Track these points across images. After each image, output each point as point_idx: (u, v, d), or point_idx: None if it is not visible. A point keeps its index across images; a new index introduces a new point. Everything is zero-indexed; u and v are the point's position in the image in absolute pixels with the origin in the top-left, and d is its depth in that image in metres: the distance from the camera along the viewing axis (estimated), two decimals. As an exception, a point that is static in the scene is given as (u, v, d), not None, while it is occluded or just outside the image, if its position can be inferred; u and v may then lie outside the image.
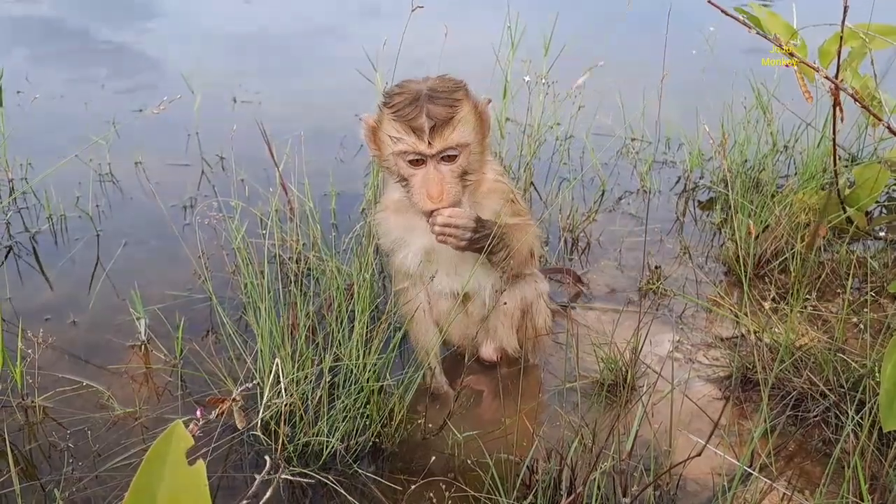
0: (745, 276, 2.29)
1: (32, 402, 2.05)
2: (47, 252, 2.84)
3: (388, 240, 2.07)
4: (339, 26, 6.08)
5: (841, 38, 2.29)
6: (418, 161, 1.86)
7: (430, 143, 1.81)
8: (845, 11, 2.27)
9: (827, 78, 1.95)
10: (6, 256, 2.79)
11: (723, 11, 1.82)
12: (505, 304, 2.15)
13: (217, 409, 1.53)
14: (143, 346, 2.31)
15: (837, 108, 2.34)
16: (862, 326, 2.32)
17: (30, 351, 2.06)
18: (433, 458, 1.90)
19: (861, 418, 1.81)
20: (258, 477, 1.26)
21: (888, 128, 2.15)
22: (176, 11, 6.67)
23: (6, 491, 1.74)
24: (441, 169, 1.86)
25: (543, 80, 3.17)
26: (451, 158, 1.86)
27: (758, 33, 1.87)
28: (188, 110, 3.70)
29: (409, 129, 1.81)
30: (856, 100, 2.02)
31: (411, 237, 2.03)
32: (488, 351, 2.29)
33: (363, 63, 3.16)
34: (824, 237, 2.42)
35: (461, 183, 1.90)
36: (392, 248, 2.07)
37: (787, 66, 1.94)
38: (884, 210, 3.35)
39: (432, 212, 1.87)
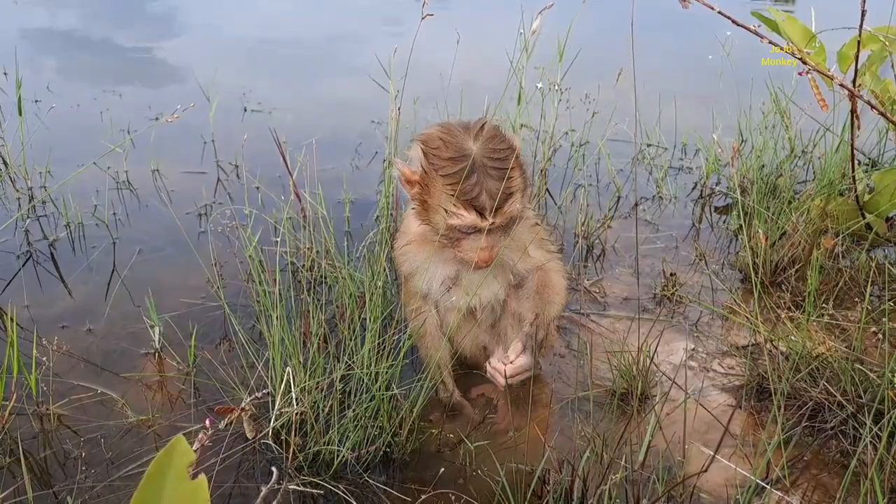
0: (755, 283, 2.26)
1: (47, 409, 2.07)
2: (65, 260, 2.86)
3: (411, 268, 2.06)
4: (358, 34, 6.11)
5: (858, 42, 2.26)
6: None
7: (491, 220, 1.78)
8: (863, 16, 2.24)
9: (842, 86, 1.93)
10: (25, 264, 2.82)
11: (733, 22, 1.80)
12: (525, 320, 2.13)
13: (226, 419, 1.54)
14: (157, 354, 2.33)
15: (854, 116, 2.31)
16: (881, 336, 2.28)
17: (44, 359, 2.08)
18: (443, 468, 1.90)
19: (879, 429, 1.77)
20: (264, 488, 1.26)
21: (907, 134, 2.12)
22: (197, 22, 6.74)
23: (20, 498, 1.76)
24: (493, 235, 1.83)
25: (557, 87, 3.15)
26: (504, 227, 1.85)
27: (770, 42, 1.85)
28: (205, 118, 3.73)
29: (470, 207, 1.77)
30: (873, 107, 2.00)
31: (435, 267, 2.03)
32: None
33: (379, 71, 3.18)
34: (830, 248, 2.38)
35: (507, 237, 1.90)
36: (412, 274, 2.06)
37: (801, 74, 1.91)
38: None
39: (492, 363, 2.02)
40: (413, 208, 1.94)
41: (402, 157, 1.95)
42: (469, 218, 1.78)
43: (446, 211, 1.80)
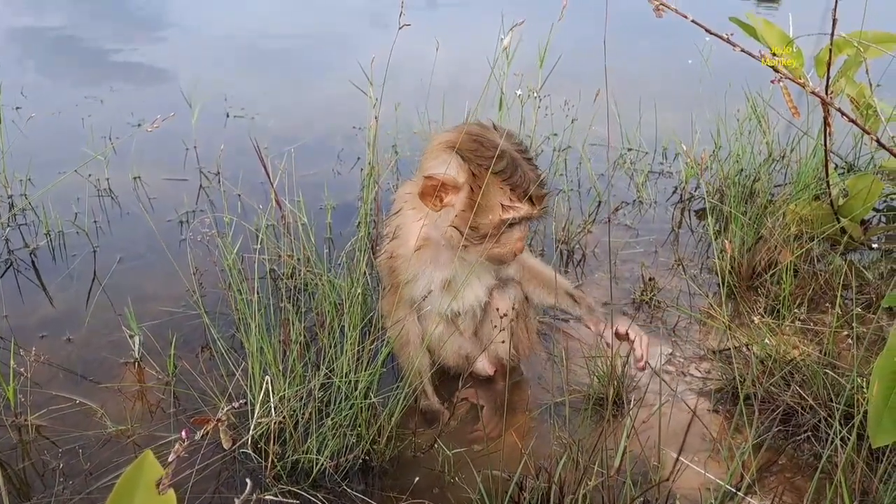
0: (723, 290, 2.29)
1: (25, 420, 2.07)
2: (46, 268, 2.86)
3: (413, 274, 2.05)
4: (345, 37, 6.11)
5: (830, 51, 2.30)
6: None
7: (540, 208, 1.91)
8: (834, 24, 2.27)
9: (814, 94, 1.95)
10: (4, 273, 2.81)
11: (707, 31, 1.82)
12: (504, 315, 2.15)
13: (202, 430, 1.54)
14: (136, 364, 2.33)
15: (827, 123, 2.34)
16: (853, 339, 2.32)
17: (22, 370, 2.08)
18: (419, 476, 1.91)
19: (848, 432, 1.80)
20: (237, 500, 1.27)
21: (878, 142, 2.15)
22: (181, 24, 6.71)
23: (-3, 510, 1.76)
24: (528, 224, 1.98)
25: (535, 94, 3.17)
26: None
27: (742, 50, 1.87)
28: (187, 124, 3.72)
29: (525, 198, 1.86)
30: (843, 114, 2.02)
31: (435, 271, 2.04)
32: (483, 364, 2.29)
33: (361, 75, 3.19)
34: (786, 262, 2.42)
35: None
36: (412, 280, 2.05)
37: (773, 82, 1.93)
38: (882, 219, 3.35)
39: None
40: (456, 215, 1.92)
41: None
42: (524, 209, 1.87)
43: (502, 206, 1.86)
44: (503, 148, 1.84)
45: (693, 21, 1.88)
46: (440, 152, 1.92)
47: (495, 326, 2.15)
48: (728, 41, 1.89)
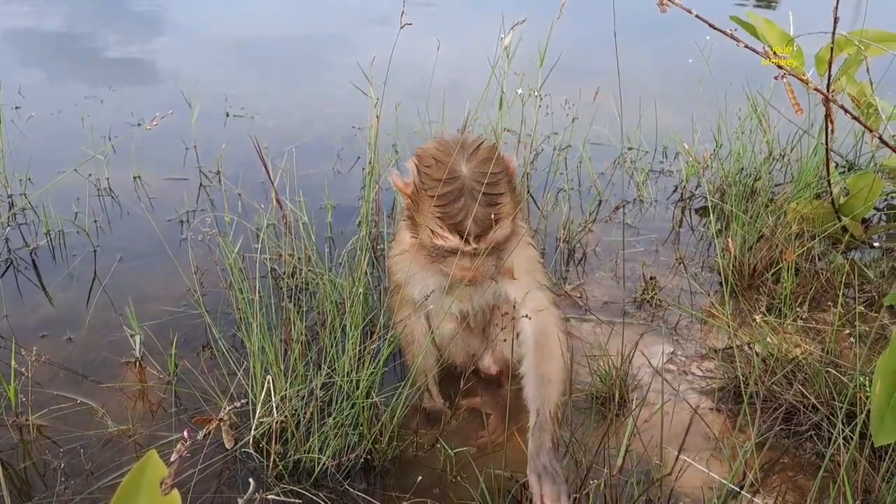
0: (726, 289, 2.29)
1: (26, 420, 2.06)
2: (46, 268, 2.85)
3: (405, 276, 2.04)
4: (345, 36, 6.10)
5: (832, 49, 2.29)
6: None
7: (474, 246, 1.79)
8: (835, 23, 2.27)
9: (817, 90, 1.95)
10: (4, 272, 2.80)
11: (710, 26, 1.82)
12: (506, 314, 2.14)
13: (204, 430, 1.54)
14: (137, 363, 2.32)
15: (829, 120, 2.34)
16: (855, 338, 2.32)
17: (23, 369, 2.07)
18: (421, 475, 1.91)
19: (851, 431, 1.80)
20: (240, 500, 1.26)
21: (880, 139, 2.14)
22: (181, 24, 6.70)
23: (-1, 510, 1.75)
24: (479, 257, 1.84)
25: (536, 93, 3.17)
26: (491, 250, 1.85)
27: (746, 46, 1.87)
28: (187, 123, 3.71)
29: (454, 231, 1.77)
30: (846, 111, 2.02)
31: (429, 275, 2.01)
32: (488, 362, 2.28)
33: (361, 76, 3.18)
34: (789, 261, 2.41)
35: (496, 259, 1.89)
36: (406, 283, 2.05)
37: (776, 78, 1.93)
38: (883, 218, 3.35)
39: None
40: (404, 220, 1.94)
41: (401, 168, 1.97)
42: (452, 241, 1.79)
43: (431, 231, 1.81)
44: (462, 177, 1.75)
45: (697, 16, 1.88)
46: (412, 157, 1.90)
47: (496, 325, 2.15)
48: (732, 37, 1.89)
